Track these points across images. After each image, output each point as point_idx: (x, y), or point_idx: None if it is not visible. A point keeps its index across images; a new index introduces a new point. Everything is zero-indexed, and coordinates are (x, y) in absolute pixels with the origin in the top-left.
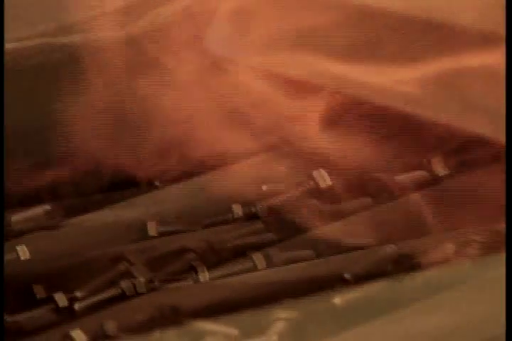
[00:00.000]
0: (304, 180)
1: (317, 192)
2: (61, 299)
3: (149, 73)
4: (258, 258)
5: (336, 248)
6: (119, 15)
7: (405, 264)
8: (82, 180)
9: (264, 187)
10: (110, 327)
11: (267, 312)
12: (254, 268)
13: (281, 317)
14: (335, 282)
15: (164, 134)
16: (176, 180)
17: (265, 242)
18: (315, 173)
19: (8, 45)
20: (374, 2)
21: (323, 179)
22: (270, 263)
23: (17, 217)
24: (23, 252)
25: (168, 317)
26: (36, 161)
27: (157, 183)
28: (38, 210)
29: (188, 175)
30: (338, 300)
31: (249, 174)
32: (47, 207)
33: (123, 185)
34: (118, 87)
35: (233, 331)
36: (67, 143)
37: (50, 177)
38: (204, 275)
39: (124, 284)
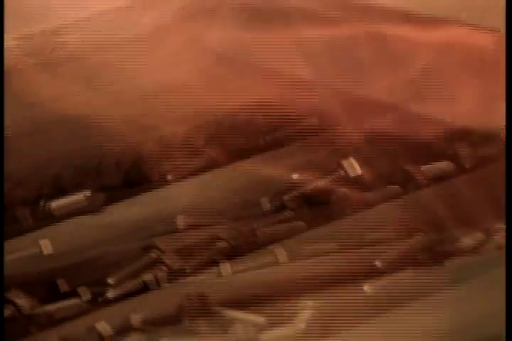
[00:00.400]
0: (334, 169)
1: (347, 181)
2: (85, 293)
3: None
4: (280, 252)
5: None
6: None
7: (435, 252)
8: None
9: (295, 176)
10: (136, 318)
11: (294, 300)
12: (276, 263)
13: (308, 306)
14: (365, 270)
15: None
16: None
17: (295, 231)
18: (345, 162)
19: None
20: None
21: (353, 168)
22: (293, 258)
23: (57, 203)
24: (45, 246)
25: (196, 306)
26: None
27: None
28: (79, 196)
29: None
30: (368, 287)
31: (280, 163)
32: (87, 192)
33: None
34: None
35: (261, 319)
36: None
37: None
38: (226, 269)
39: (155, 273)
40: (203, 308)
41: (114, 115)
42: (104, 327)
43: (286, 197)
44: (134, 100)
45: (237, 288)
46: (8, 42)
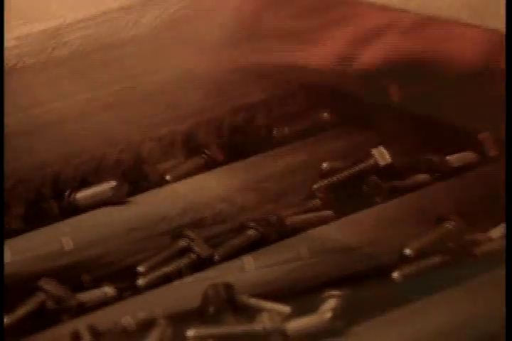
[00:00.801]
0: (364, 158)
1: (377, 170)
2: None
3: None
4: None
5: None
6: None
7: (464, 241)
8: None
9: (325, 165)
10: (162, 307)
11: (321, 289)
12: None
13: (334, 294)
14: (395, 257)
15: None
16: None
17: (323, 220)
18: (375, 151)
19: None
20: None
21: (383, 156)
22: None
23: (82, 194)
24: (67, 243)
25: (222, 295)
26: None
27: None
28: (104, 187)
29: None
30: (396, 275)
31: (310, 151)
32: (113, 183)
33: None
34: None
35: (286, 308)
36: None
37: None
38: (249, 263)
39: (184, 261)
40: (228, 297)
41: (114, 115)
42: (128, 320)
43: (315, 186)
44: (135, 100)
45: (262, 277)
46: (8, 42)
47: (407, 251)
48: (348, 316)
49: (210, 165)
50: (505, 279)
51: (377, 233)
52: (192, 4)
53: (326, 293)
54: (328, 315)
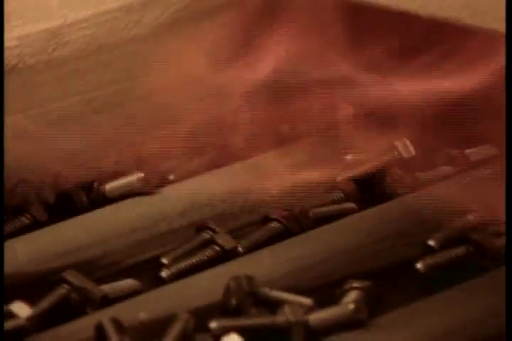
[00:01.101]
0: (388, 150)
1: (400, 162)
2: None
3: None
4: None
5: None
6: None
7: (487, 232)
8: None
9: (349, 157)
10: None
11: (344, 281)
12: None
13: (357, 286)
14: (419, 249)
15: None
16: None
17: (346, 212)
18: (399, 143)
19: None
20: None
21: (407, 149)
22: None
23: (112, 185)
24: (92, 234)
25: (244, 288)
26: None
27: None
28: (132, 178)
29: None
30: (420, 266)
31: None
32: (140, 174)
33: None
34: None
35: (307, 300)
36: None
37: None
38: (272, 255)
39: (207, 253)
40: (250, 289)
41: (114, 115)
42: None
43: (338, 178)
44: (134, 100)
45: (284, 270)
46: (9, 42)
47: (431, 243)
48: (371, 307)
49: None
50: (506, 279)
51: (400, 224)
52: (193, 4)
53: (349, 285)
54: (351, 306)
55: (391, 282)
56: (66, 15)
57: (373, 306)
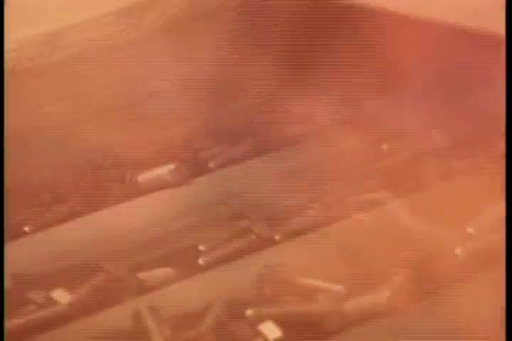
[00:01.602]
0: (422, 139)
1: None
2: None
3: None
4: None
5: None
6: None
7: None
8: None
9: (385, 147)
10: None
11: (381, 268)
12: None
13: (395, 272)
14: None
15: None
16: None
17: (381, 201)
18: (434, 132)
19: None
20: None
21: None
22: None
23: (144, 176)
24: (128, 224)
25: (276, 275)
26: None
27: None
28: (164, 170)
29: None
30: (459, 251)
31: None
32: (171, 166)
33: None
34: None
35: (339, 287)
36: None
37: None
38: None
39: (244, 241)
40: (283, 277)
41: (113, 118)
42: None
43: (374, 167)
44: (132, 103)
45: (318, 258)
46: (7, 44)
47: (470, 229)
48: (409, 294)
49: None
50: (506, 279)
51: (438, 211)
52: (191, 6)
53: (386, 272)
54: (387, 294)
55: (431, 268)
56: (64, 18)
57: (413, 292)
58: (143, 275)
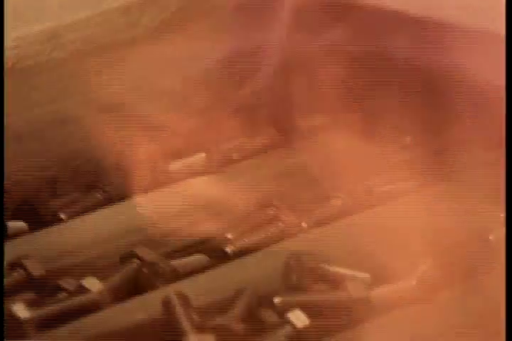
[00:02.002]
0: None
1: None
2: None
3: None
4: None
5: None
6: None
7: None
8: None
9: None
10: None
11: (406, 256)
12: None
13: (421, 262)
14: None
15: None
16: None
17: (409, 190)
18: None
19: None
20: None
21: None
22: None
23: (175, 165)
24: (159, 212)
25: (304, 263)
26: None
27: None
28: (195, 158)
29: None
30: (492, 237)
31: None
32: (203, 154)
33: None
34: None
35: (366, 275)
36: None
37: None
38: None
39: (271, 229)
40: (308, 265)
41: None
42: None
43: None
44: (133, 102)
45: (344, 246)
46: (8, 42)
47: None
48: (434, 282)
49: None
50: (506, 279)
51: (469, 199)
52: (191, 5)
53: (413, 260)
54: (414, 282)
55: (460, 255)
56: (64, 15)
57: (438, 280)
58: (176, 262)
